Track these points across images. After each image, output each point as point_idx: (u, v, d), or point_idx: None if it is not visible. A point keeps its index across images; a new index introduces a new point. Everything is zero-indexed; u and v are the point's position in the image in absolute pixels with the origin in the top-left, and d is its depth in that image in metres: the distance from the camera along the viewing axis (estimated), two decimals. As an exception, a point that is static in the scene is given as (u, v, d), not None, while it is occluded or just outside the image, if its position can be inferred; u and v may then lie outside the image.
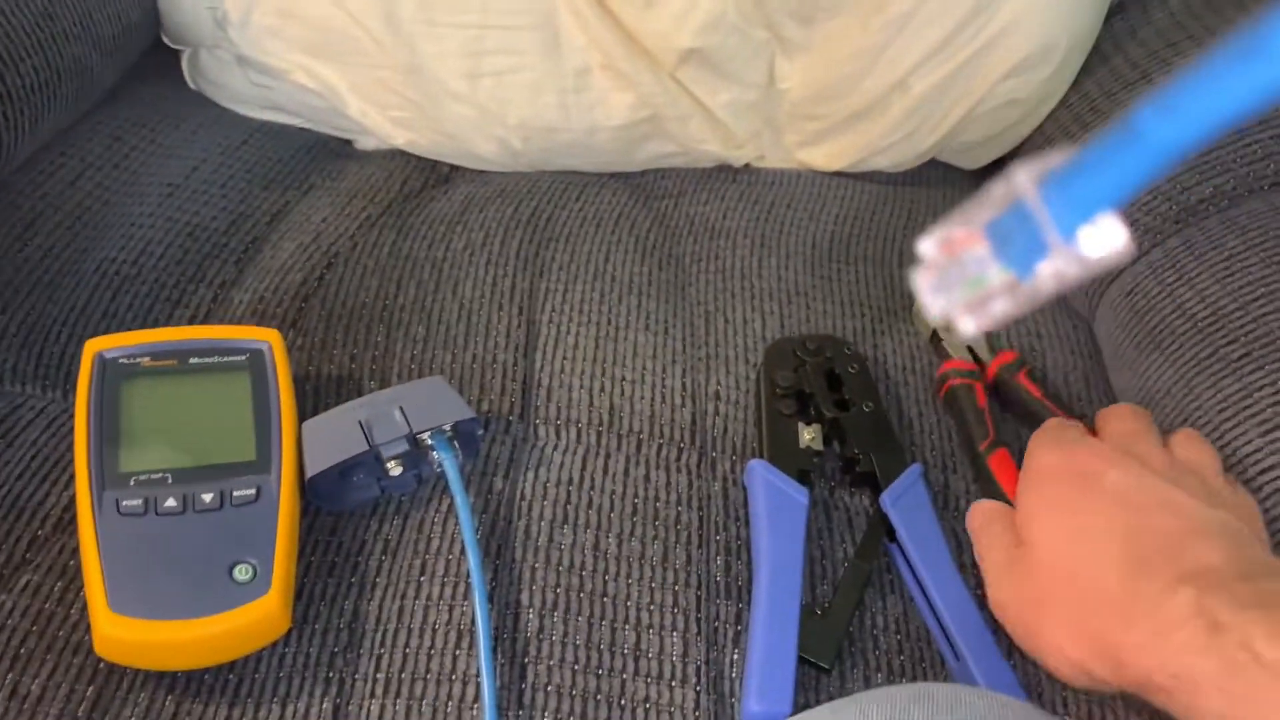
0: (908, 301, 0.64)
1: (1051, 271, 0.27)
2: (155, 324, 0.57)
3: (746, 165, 0.75)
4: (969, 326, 0.31)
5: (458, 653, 0.46)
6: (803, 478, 0.52)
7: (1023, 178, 0.28)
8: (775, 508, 0.51)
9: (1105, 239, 0.27)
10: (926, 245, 0.32)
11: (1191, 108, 0.24)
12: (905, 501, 0.52)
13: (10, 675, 0.43)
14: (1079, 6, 0.67)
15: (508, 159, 0.72)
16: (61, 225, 0.61)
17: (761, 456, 0.53)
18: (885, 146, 0.71)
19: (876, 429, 0.55)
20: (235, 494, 0.46)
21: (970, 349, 0.60)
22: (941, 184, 0.75)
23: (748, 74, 0.70)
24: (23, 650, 0.44)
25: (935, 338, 0.61)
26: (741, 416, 0.56)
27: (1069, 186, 0.28)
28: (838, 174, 0.74)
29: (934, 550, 0.51)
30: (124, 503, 0.45)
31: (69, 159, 0.64)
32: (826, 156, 0.73)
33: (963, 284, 0.30)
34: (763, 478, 0.52)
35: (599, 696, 0.45)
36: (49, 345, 0.55)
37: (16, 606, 0.45)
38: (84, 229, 0.61)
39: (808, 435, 0.54)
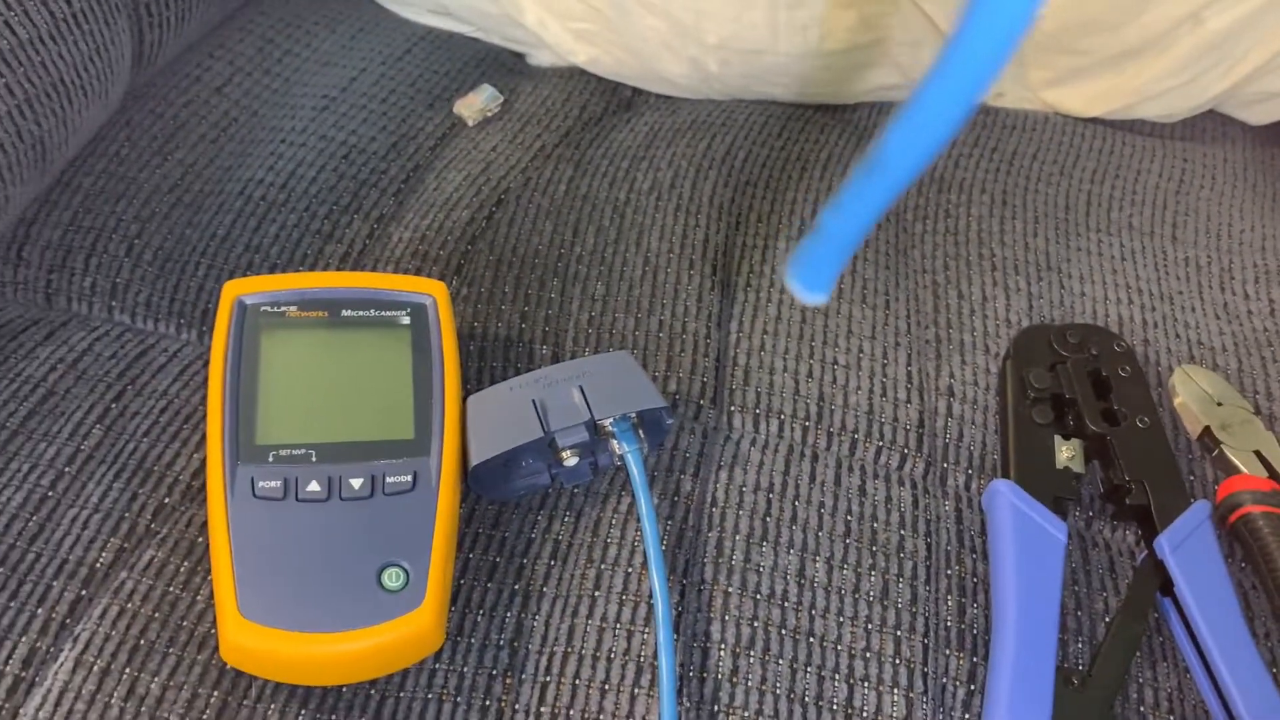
0: (1179, 287, 0.53)
1: None
2: (304, 260, 0.50)
3: (981, 104, 0.63)
4: None
5: (636, 691, 0.38)
6: (1057, 506, 0.43)
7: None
8: (1025, 542, 0.41)
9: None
10: None
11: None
12: (1189, 547, 0.42)
13: (128, 671, 0.37)
14: None
15: (699, 83, 0.62)
16: (205, 138, 0.54)
17: (1007, 475, 0.44)
18: (1160, 92, 0.59)
19: (1153, 451, 0.44)
20: (389, 480, 0.39)
21: (1262, 457, 0.45)
22: (1221, 140, 0.62)
23: (997, -6, 0.58)
24: (143, 641, 0.38)
25: (1208, 437, 0.46)
26: (980, 421, 0.46)
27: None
28: (1091, 121, 0.62)
29: (1223, 612, 0.41)
30: (261, 483, 0.38)
31: (216, 62, 0.57)
32: (1084, 99, 0.61)
33: None
34: (1010, 503, 0.42)
35: (804, 766, 0.37)
36: (186, 279, 0.49)
37: (138, 588, 0.39)
38: (229, 143, 0.54)
39: (1066, 453, 0.44)
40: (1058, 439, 0.44)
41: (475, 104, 0.58)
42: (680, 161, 0.57)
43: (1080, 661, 0.40)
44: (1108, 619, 0.41)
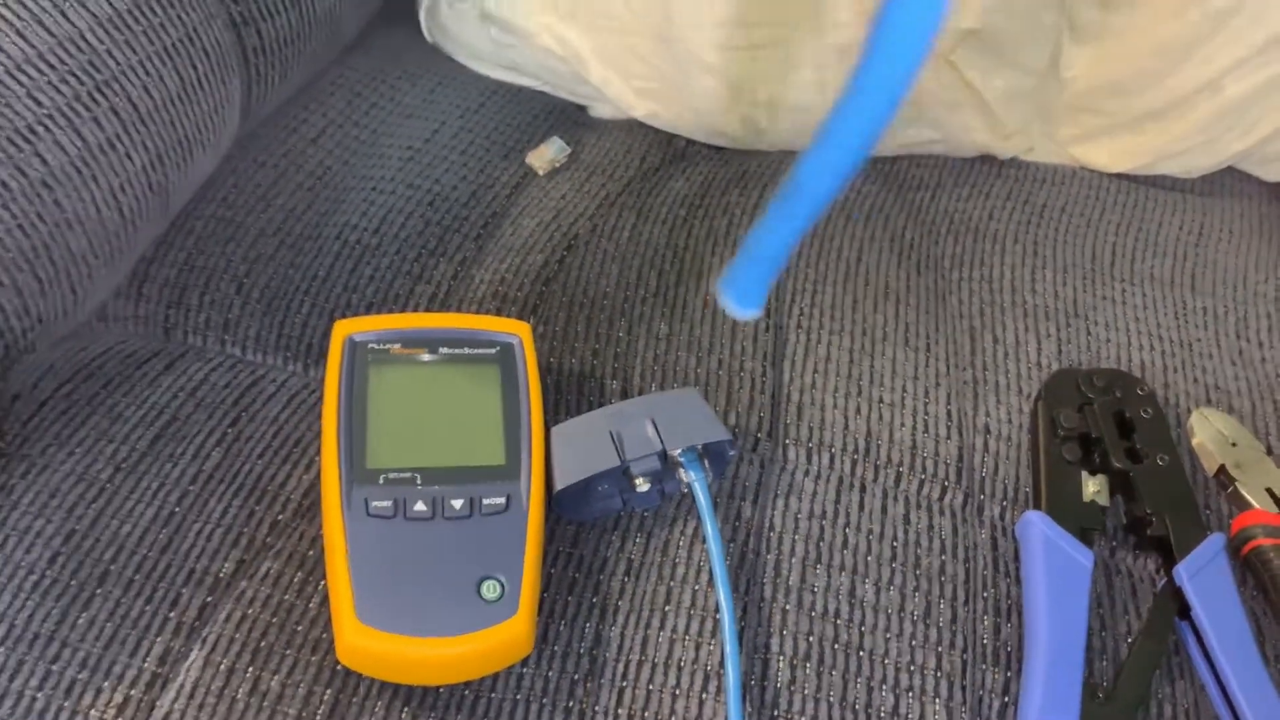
0: (1198, 334, 0.57)
1: None
2: (396, 299, 0.55)
3: (1013, 158, 0.68)
4: None
5: (704, 696, 0.42)
6: (1084, 536, 0.47)
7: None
8: (1054, 569, 0.46)
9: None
10: None
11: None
12: (1205, 576, 0.46)
13: (251, 669, 0.42)
14: None
15: (750, 137, 0.67)
16: (303, 186, 0.59)
17: (1039, 507, 0.48)
18: (1180, 151, 0.64)
19: (1172, 487, 0.48)
20: (485, 502, 0.43)
21: (1273, 494, 0.49)
22: (1238, 195, 0.67)
23: (1029, 58, 0.63)
24: (263, 644, 0.42)
25: (1224, 474, 0.50)
26: (1014, 456, 0.51)
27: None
28: (1117, 175, 0.67)
29: (1235, 635, 0.45)
30: (373, 503, 0.43)
31: (311, 114, 0.62)
32: (1109, 155, 0.66)
33: None
34: (1041, 533, 0.46)
35: (857, 767, 0.41)
36: (291, 315, 0.54)
37: (257, 596, 0.44)
38: (325, 190, 0.59)
39: (1092, 487, 0.48)
40: (1085, 474, 0.49)
41: (545, 155, 0.63)
42: (734, 210, 0.62)
43: (1105, 678, 0.44)
44: (1130, 640, 0.45)
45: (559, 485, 0.45)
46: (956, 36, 0.61)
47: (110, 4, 0.47)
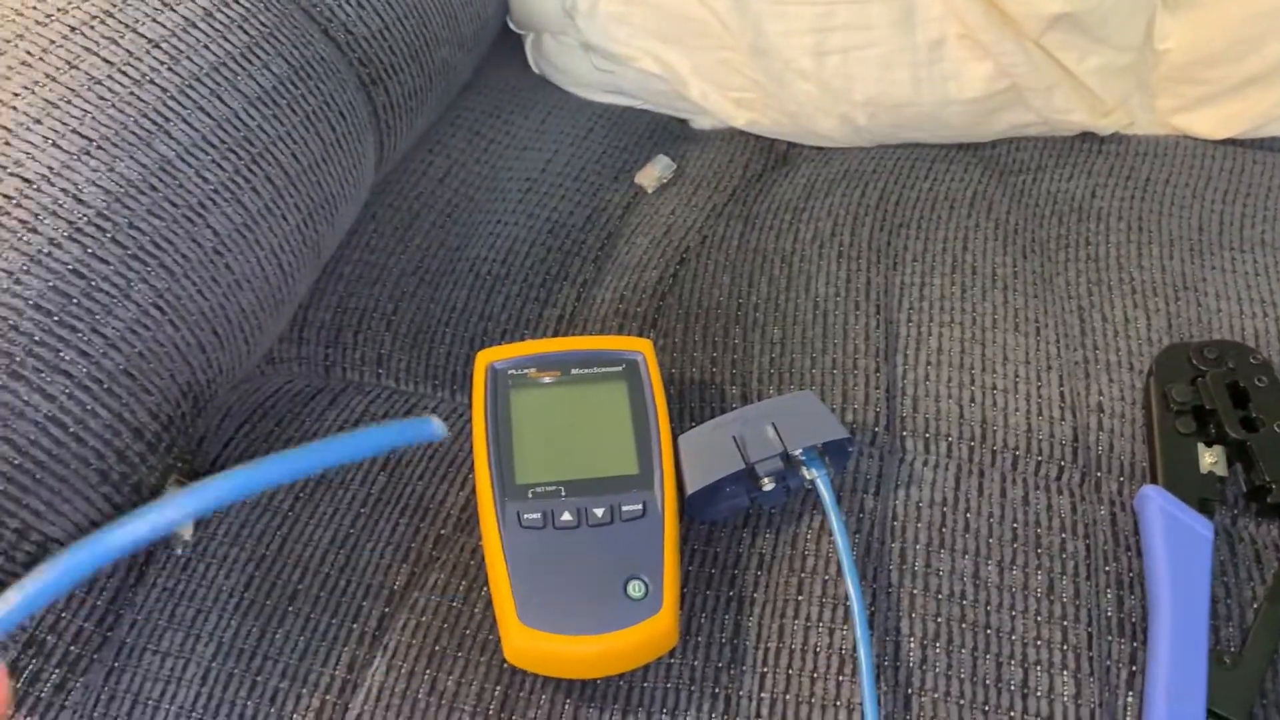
0: (1316, 296, 0.57)
1: None
2: (527, 324, 0.59)
3: (1114, 133, 0.68)
4: None
5: (840, 679, 0.45)
6: (1203, 507, 0.48)
7: None
8: (1174, 541, 0.47)
9: None
10: None
11: None
12: (1329, 540, 0.47)
13: (429, 671, 0.46)
14: None
15: (850, 135, 0.69)
16: (435, 224, 0.64)
17: (1155, 481, 0.49)
18: (1285, 113, 0.63)
19: (1291, 454, 0.49)
20: (624, 509, 0.47)
21: None
22: (1351, 150, 0.66)
23: (1122, 36, 0.63)
24: (437, 648, 0.47)
25: None
26: (1129, 433, 0.52)
27: None
28: (1222, 142, 0.67)
29: (1363, 597, 0.46)
30: (525, 515, 0.47)
31: (437, 156, 0.67)
32: (1211, 124, 0.66)
33: None
34: (1159, 507, 0.48)
35: (990, 738, 0.44)
36: (436, 346, 0.59)
37: (429, 604, 0.48)
38: (455, 226, 0.64)
39: (1209, 459, 0.50)
40: (1200, 446, 0.50)
41: (653, 174, 0.67)
42: (838, 210, 0.64)
43: (1231, 644, 0.45)
44: (1255, 605, 0.46)
45: (690, 489, 0.48)
46: (1045, 21, 0.62)
47: (258, 83, 0.53)
